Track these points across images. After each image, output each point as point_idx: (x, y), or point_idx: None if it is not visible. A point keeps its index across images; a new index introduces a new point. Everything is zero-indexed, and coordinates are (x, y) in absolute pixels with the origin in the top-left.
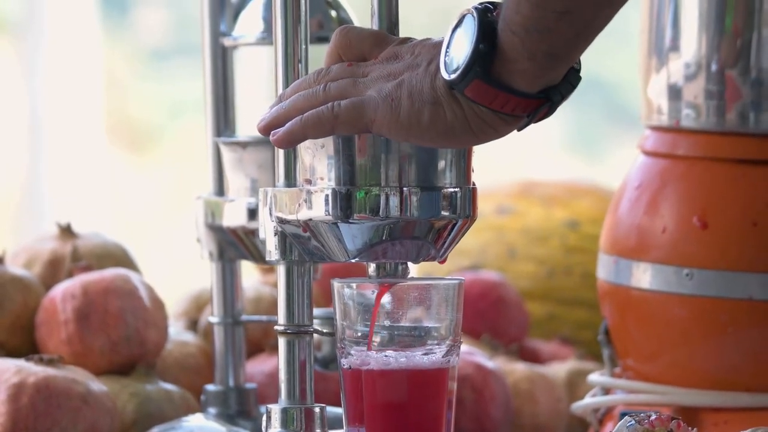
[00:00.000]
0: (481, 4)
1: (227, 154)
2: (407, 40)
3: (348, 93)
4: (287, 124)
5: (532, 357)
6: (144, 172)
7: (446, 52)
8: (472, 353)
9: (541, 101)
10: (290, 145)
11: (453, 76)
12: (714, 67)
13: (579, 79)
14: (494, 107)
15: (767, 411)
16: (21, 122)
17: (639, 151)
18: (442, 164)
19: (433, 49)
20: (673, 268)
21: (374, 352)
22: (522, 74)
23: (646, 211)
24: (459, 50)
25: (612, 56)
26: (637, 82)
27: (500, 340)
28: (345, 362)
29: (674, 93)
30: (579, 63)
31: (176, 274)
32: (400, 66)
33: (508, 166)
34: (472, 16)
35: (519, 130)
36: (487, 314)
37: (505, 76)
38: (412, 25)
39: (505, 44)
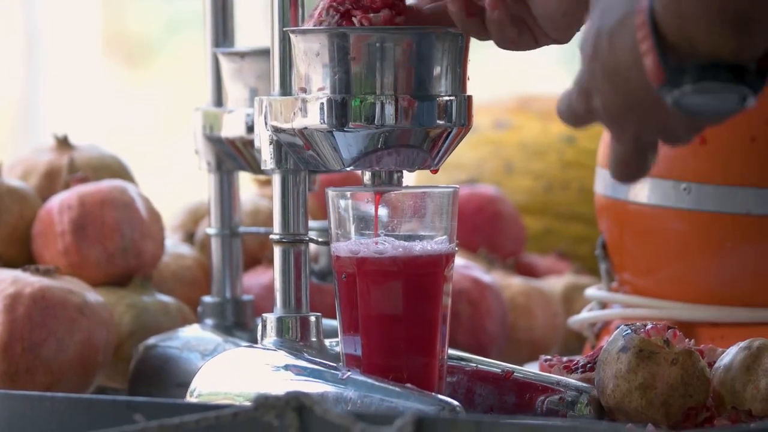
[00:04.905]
0: None
1: (226, 65)
2: None
3: None
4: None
5: (528, 271)
6: (140, 87)
7: None
8: (468, 267)
9: None
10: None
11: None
12: None
13: None
14: None
15: (764, 326)
16: (18, 36)
17: None
18: (437, 71)
19: None
20: (671, 182)
21: (370, 240)
22: None
23: None
24: None
25: None
26: None
27: (497, 254)
28: (338, 248)
29: None
30: None
31: (173, 189)
32: None
33: (505, 81)
34: None
35: None
36: (483, 228)
37: None
38: None
39: None
